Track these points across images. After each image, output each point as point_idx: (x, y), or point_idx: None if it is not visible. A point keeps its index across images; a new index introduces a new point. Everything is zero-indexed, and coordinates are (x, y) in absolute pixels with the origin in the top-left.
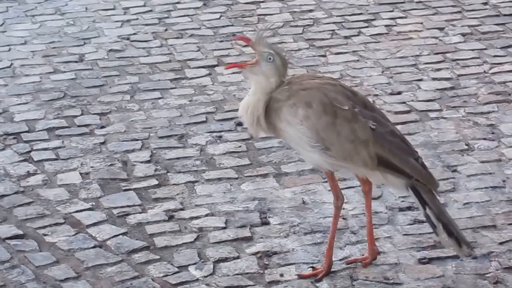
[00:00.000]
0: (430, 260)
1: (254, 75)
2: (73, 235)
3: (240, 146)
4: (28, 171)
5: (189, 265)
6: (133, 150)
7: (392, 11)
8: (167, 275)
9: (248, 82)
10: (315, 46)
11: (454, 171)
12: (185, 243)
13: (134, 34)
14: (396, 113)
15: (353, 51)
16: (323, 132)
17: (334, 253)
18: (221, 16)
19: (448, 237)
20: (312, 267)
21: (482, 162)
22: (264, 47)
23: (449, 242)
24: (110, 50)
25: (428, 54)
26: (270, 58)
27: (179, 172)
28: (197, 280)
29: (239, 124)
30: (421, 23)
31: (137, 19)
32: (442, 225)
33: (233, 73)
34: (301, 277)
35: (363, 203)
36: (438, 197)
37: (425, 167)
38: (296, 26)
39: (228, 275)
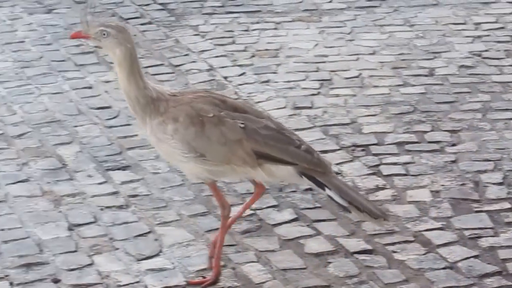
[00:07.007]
0: None
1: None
2: (423, 254)
3: None
4: (377, 185)
5: None
6: (485, 171)
7: None
8: None
9: None
10: None
11: None
12: None
13: (486, 51)
14: None
15: None
16: (193, 141)
17: None
18: None
19: (359, 212)
20: (202, 276)
21: None
22: (94, 28)
23: (363, 217)
24: (461, 66)
25: None
26: (104, 34)
27: None
28: None
29: None
30: None
31: (488, 35)
32: (348, 204)
33: None
34: (189, 283)
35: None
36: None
37: (311, 152)
38: None
39: None
